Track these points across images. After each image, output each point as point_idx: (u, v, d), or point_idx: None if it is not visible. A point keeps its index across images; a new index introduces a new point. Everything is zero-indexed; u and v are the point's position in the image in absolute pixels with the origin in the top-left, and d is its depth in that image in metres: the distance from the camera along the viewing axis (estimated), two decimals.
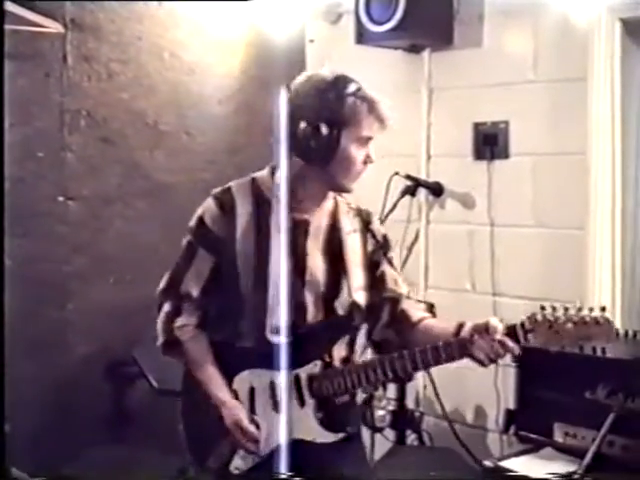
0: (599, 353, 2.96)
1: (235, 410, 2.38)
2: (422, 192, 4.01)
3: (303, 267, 2.38)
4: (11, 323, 3.39)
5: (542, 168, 3.66)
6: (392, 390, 3.83)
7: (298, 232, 2.38)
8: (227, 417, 2.37)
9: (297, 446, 2.36)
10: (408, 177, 3.94)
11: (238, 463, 2.40)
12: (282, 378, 2.36)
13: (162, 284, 2.48)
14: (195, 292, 2.42)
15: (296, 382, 2.37)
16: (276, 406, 2.38)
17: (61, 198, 3.74)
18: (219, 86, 4.21)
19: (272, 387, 2.38)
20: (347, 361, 2.43)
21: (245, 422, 2.36)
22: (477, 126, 3.85)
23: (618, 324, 3.41)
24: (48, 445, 3.41)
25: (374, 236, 2.49)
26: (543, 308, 2.20)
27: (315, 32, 4.45)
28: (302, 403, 2.37)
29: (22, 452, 3.00)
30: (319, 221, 2.42)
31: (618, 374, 2.87)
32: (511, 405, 3.34)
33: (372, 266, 2.46)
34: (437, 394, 3.93)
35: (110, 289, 3.85)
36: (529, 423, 3.15)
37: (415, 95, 4.04)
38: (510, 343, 2.25)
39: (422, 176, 4.00)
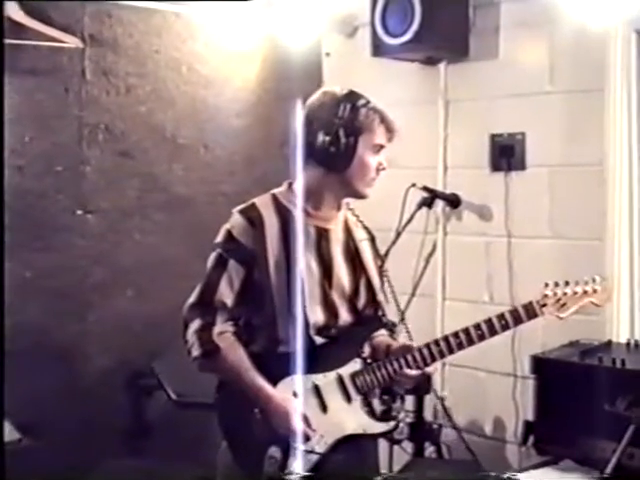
0: (618, 365, 2.95)
1: (284, 402, 2.43)
2: (439, 204, 4.01)
3: (330, 272, 2.53)
4: (32, 335, 3.48)
5: (559, 179, 3.66)
6: (410, 402, 3.83)
7: (322, 239, 2.54)
8: (277, 412, 2.42)
9: (349, 443, 2.50)
10: (425, 189, 3.94)
11: (293, 467, 2.43)
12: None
13: (193, 298, 2.52)
14: (229, 302, 2.48)
15: (340, 381, 2.51)
16: (324, 407, 2.49)
17: (80, 212, 3.77)
18: (236, 99, 4.24)
19: (316, 389, 2.49)
20: (373, 357, 2.60)
21: (296, 413, 2.42)
22: (494, 137, 3.85)
23: (637, 335, 3.42)
24: (67, 457, 3.42)
25: (376, 248, 2.72)
26: (547, 285, 2.52)
27: (331, 45, 4.46)
28: (349, 400, 2.51)
29: (42, 464, 3.02)
30: (337, 230, 2.59)
31: (637, 386, 2.86)
32: (530, 417, 3.32)
33: (380, 273, 2.69)
34: (444, 407, 3.95)
35: (129, 301, 3.87)
36: (548, 435, 3.13)
37: (432, 107, 4.05)
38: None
39: (439, 188, 4.00)
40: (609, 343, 3.33)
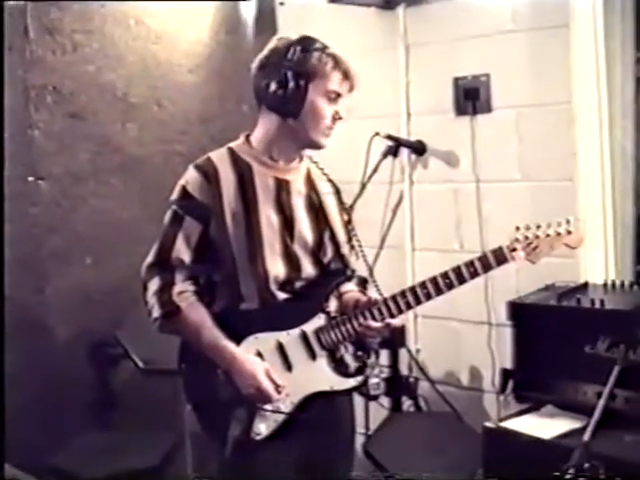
0: (597, 305, 2.88)
1: (249, 363, 2.36)
2: (404, 152, 3.90)
3: (291, 224, 2.45)
4: None
5: (526, 120, 3.57)
6: (385, 357, 3.75)
7: (282, 191, 2.46)
8: (241, 373, 2.35)
9: (316, 400, 2.43)
10: (389, 137, 3.83)
11: (259, 427, 2.38)
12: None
13: (150, 258, 2.44)
14: (187, 259, 2.40)
15: (304, 338, 2.43)
16: (288, 365, 2.42)
17: (31, 178, 3.60)
18: (188, 53, 4.08)
19: (280, 348, 2.42)
20: (341, 313, 2.50)
21: (261, 373, 2.35)
22: (457, 81, 3.74)
23: (612, 275, 3.35)
24: (32, 433, 3.29)
25: (342, 202, 2.62)
26: (517, 229, 2.42)
27: None
28: (313, 356, 2.44)
29: (7, 441, 2.88)
30: (299, 182, 2.51)
31: (618, 325, 2.79)
32: (506, 365, 3.25)
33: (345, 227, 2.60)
34: (417, 361, 3.87)
35: (87, 269, 3.72)
36: (527, 382, 3.08)
37: (392, 53, 3.93)
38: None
39: (403, 136, 3.89)
40: (586, 285, 3.27)
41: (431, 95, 3.86)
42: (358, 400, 3.54)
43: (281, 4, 4.35)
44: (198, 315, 2.40)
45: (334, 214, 2.56)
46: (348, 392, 2.54)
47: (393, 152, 3.84)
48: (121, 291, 3.55)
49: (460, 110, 3.75)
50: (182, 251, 2.40)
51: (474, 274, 2.41)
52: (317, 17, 4.03)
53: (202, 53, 4.12)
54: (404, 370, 3.87)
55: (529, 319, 3.04)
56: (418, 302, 2.43)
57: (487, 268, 2.42)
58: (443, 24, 3.76)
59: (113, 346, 3.59)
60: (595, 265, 3.35)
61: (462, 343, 3.87)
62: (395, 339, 3.66)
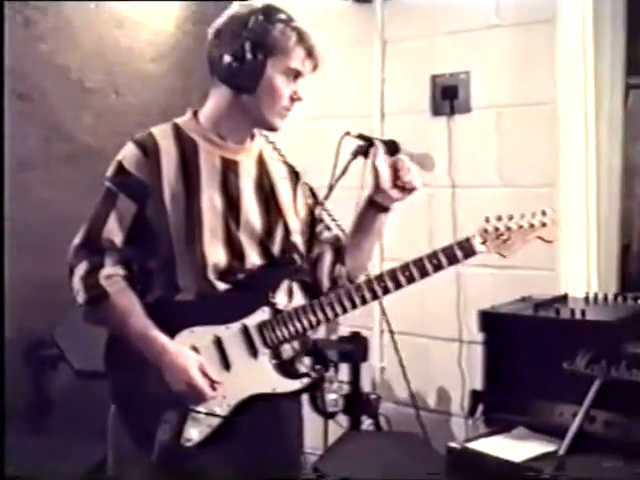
0: (578, 316, 2.63)
1: (181, 356, 2.11)
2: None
3: (237, 208, 2.23)
4: None
5: (507, 121, 3.37)
6: (345, 372, 3.47)
7: (229, 172, 2.24)
8: (172, 366, 2.10)
9: (256, 403, 2.17)
10: (360, 136, 3.54)
11: (190, 433, 2.12)
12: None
13: (77, 239, 2.22)
14: (119, 240, 2.17)
15: (245, 333, 2.18)
16: (227, 363, 2.17)
17: None
18: (152, 42, 3.84)
19: (218, 343, 2.17)
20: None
21: (194, 368, 2.10)
22: (435, 79, 3.53)
23: (595, 287, 3.11)
24: None
25: (306, 183, 2.42)
26: (487, 219, 2.21)
27: None
28: (255, 354, 2.18)
29: None
30: (249, 164, 2.29)
31: (600, 338, 2.53)
32: (477, 386, 2.98)
33: (307, 213, 2.40)
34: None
35: (27, 264, 3.43)
36: (499, 401, 2.81)
37: (367, 48, 3.72)
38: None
39: (377, 136, 3.64)
40: (565, 296, 3.01)
41: (407, 94, 3.65)
42: (316, 419, 3.29)
43: None
44: (127, 301, 2.15)
45: (287, 200, 2.34)
46: (293, 395, 2.27)
47: (364, 152, 3.57)
48: (61, 288, 3.25)
49: (437, 110, 3.54)
50: (114, 232, 2.17)
51: (438, 267, 2.19)
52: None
53: (167, 42, 3.89)
54: (366, 387, 3.59)
55: (503, 331, 2.77)
56: (375, 296, 2.20)
57: (452, 260, 2.19)
58: (422, 18, 3.57)
59: (50, 347, 3.30)
60: (577, 277, 3.10)
61: (431, 361, 3.60)
62: (357, 353, 3.38)
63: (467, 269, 3.42)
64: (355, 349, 3.38)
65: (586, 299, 2.90)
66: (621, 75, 3.19)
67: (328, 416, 3.28)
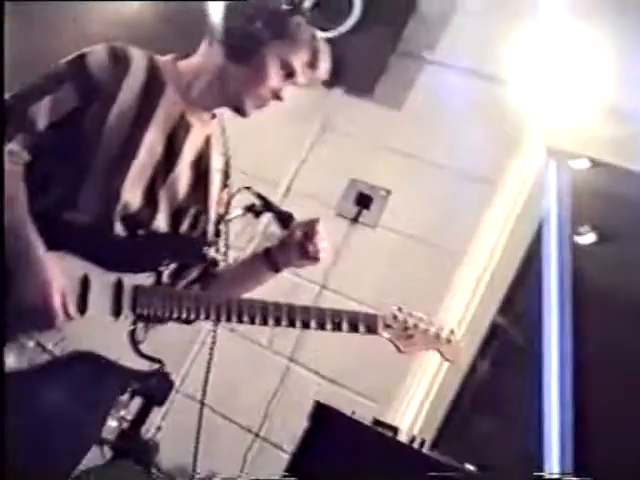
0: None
1: (47, 266, 1.87)
2: (267, 221, 3.51)
3: (171, 166, 2.10)
4: None
5: (407, 252, 3.31)
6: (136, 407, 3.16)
7: (180, 130, 2.10)
8: (32, 272, 1.87)
9: (90, 361, 1.94)
10: (259, 196, 3.43)
11: (8, 355, 1.85)
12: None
13: (5, 97, 2.00)
14: (41, 125, 1.97)
15: (117, 287, 1.98)
16: (83, 307, 1.94)
17: None
18: None
19: (84, 282, 1.95)
20: None
21: (56, 285, 1.86)
22: (354, 181, 3.48)
23: None
24: None
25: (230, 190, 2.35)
26: (400, 309, 2.14)
27: None
28: (117, 313, 1.97)
29: None
30: (198, 136, 2.16)
31: None
32: None
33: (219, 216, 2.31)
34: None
35: None
36: None
37: (305, 126, 3.64)
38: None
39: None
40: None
41: (321, 182, 3.57)
42: None
43: None
44: (15, 188, 1.92)
45: (214, 190, 2.24)
46: (131, 375, 2.03)
47: (256, 212, 3.44)
48: None
49: (343, 211, 3.47)
50: (40, 114, 1.97)
51: (337, 327, 2.08)
52: None
53: None
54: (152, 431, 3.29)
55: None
56: (264, 322, 2.06)
57: (352, 328, 2.09)
58: (372, 124, 3.54)
59: None
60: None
61: (212, 440, 3.34)
62: (157, 392, 3.09)
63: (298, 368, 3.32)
64: (154, 387, 3.09)
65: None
66: None
67: (101, 442, 2.94)
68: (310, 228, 2.24)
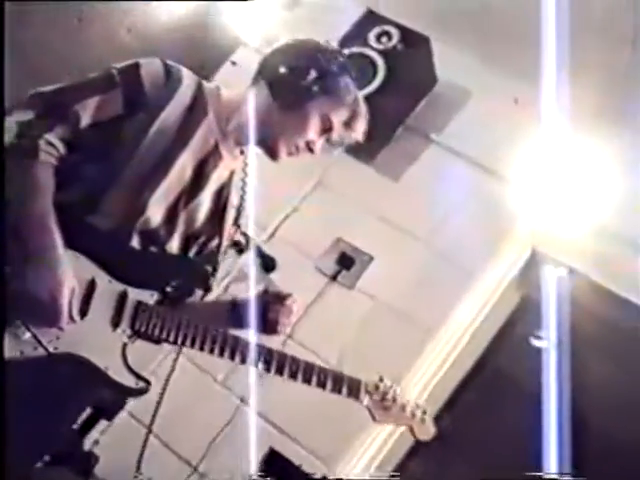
0: None
1: (64, 265, 1.88)
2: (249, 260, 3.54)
3: (196, 193, 2.13)
4: None
5: (376, 318, 3.36)
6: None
7: (210, 159, 2.13)
8: (49, 269, 1.87)
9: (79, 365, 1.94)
10: (244, 234, 3.47)
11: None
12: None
13: (49, 89, 2.01)
14: (85, 122, 1.98)
15: (121, 298, 2.00)
16: (85, 310, 1.95)
17: None
18: None
19: (91, 286, 1.97)
20: None
21: (68, 286, 1.88)
22: (339, 241, 3.53)
23: None
24: None
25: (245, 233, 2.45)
26: (382, 379, 2.19)
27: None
28: (116, 324, 1.99)
29: None
30: (224, 169, 2.19)
31: None
32: None
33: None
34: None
35: None
36: None
37: (304, 177, 3.68)
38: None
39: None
40: None
41: (307, 234, 3.61)
42: None
43: (233, 64, 4.07)
44: (45, 179, 1.94)
45: (229, 224, 2.31)
46: (115, 388, 2.02)
47: (239, 248, 3.47)
48: None
49: (323, 268, 3.51)
50: (86, 112, 1.99)
51: (321, 384, 2.13)
52: None
53: None
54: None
55: None
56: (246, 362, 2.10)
57: (335, 389, 2.14)
58: (370, 191, 3.61)
59: None
60: None
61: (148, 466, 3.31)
62: (108, 406, 3.06)
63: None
64: (106, 400, 3.06)
65: None
66: None
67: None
68: (281, 300, 2.30)
